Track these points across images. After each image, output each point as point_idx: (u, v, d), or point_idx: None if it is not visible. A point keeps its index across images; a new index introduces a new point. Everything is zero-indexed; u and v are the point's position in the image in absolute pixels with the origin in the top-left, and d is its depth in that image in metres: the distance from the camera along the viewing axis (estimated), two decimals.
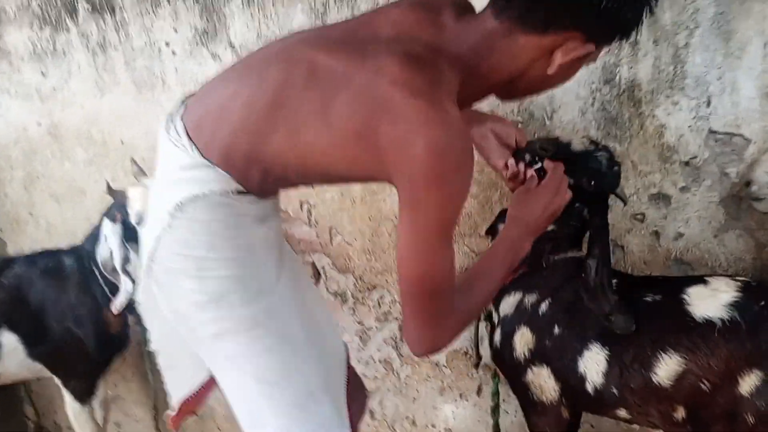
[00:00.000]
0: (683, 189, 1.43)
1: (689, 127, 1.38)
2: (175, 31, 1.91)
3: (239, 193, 0.96)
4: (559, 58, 0.85)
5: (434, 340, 0.93)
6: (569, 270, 1.25)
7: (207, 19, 1.85)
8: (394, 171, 0.83)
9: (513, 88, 0.94)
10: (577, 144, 1.20)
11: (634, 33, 0.89)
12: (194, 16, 1.86)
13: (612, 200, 1.27)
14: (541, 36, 0.85)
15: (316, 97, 0.86)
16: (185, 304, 1.01)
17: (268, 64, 0.93)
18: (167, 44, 1.94)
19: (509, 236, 1.05)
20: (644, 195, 1.47)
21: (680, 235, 1.46)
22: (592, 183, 1.17)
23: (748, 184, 1.33)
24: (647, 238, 1.50)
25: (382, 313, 1.94)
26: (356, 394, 1.25)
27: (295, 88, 0.88)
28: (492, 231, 1.38)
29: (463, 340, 1.75)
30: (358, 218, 1.85)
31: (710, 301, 1.09)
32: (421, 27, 0.87)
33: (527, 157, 1.16)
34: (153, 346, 1.18)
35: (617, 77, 1.43)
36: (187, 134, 0.96)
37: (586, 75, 1.48)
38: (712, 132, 1.37)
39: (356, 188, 1.81)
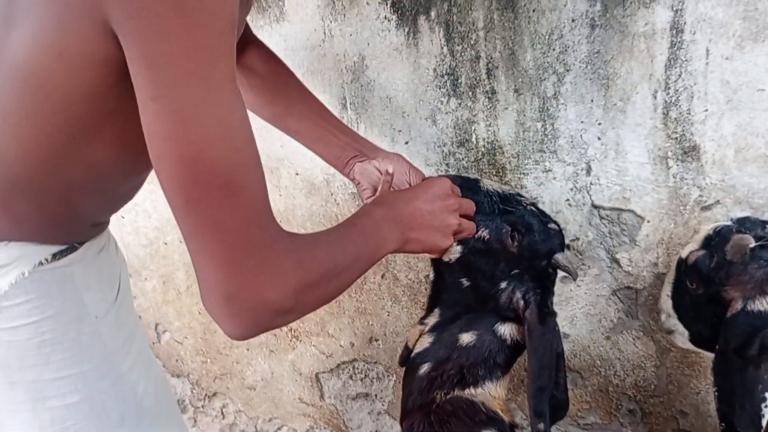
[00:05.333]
0: (565, 279, 1.18)
1: (567, 201, 1.15)
2: None
3: (56, 256, 0.69)
4: None
5: (247, 284, 0.52)
6: (465, 423, 0.85)
7: None
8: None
9: None
10: (491, 184, 0.89)
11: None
12: None
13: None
14: None
15: None
16: None
17: None
18: None
19: (372, 213, 0.74)
20: None
21: (564, 336, 1.23)
22: (515, 235, 0.84)
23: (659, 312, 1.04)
24: None
25: (227, 425, 1.64)
26: None
27: None
28: (407, 360, 0.97)
29: None
30: (186, 312, 1.58)
31: None
32: None
33: None
34: None
35: (473, 137, 1.16)
36: None
37: (435, 135, 1.18)
38: (595, 207, 1.13)
39: (180, 276, 1.54)
